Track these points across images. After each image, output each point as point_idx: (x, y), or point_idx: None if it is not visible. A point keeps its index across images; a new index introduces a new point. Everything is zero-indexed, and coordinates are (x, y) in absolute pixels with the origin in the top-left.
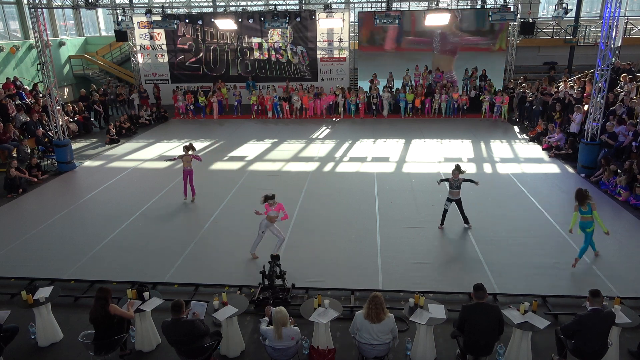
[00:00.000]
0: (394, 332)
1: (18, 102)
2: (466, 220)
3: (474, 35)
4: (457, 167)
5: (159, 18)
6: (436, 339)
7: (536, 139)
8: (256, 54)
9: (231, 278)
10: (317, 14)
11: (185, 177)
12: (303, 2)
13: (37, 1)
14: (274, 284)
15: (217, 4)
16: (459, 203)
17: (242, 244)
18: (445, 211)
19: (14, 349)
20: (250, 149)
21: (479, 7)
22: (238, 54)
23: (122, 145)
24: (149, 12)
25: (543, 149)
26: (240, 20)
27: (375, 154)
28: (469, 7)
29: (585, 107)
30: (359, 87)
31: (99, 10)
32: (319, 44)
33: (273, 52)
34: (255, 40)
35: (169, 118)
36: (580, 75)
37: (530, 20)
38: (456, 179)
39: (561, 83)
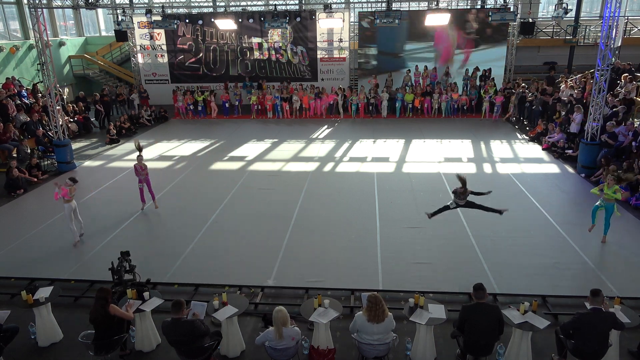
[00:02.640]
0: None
1: (18, 102)
2: (494, 210)
3: None
4: (463, 182)
5: (159, 18)
6: (436, 339)
7: (536, 139)
8: (256, 54)
9: (231, 278)
10: (317, 14)
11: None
12: (303, 2)
13: (37, 1)
14: (122, 279)
15: (217, 4)
16: (470, 204)
17: (242, 244)
18: (447, 207)
19: (14, 349)
20: (250, 149)
21: (478, 6)
22: (238, 54)
23: (122, 145)
24: (149, 12)
25: (543, 149)
26: (240, 20)
27: (375, 154)
28: (468, 7)
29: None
30: (361, 86)
31: (99, 10)
32: (319, 44)
33: (273, 52)
34: (255, 40)
35: (169, 118)
36: (579, 76)
37: (530, 20)
38: (464, 195)
39: (562, 84)
